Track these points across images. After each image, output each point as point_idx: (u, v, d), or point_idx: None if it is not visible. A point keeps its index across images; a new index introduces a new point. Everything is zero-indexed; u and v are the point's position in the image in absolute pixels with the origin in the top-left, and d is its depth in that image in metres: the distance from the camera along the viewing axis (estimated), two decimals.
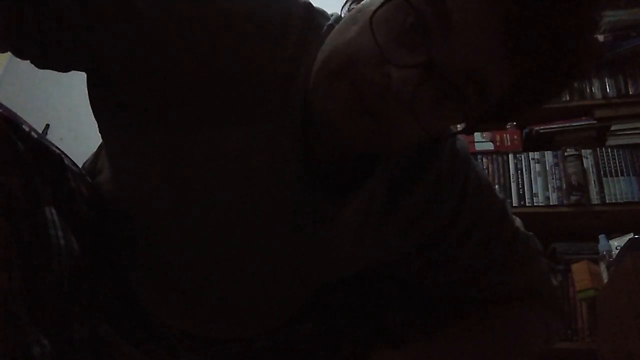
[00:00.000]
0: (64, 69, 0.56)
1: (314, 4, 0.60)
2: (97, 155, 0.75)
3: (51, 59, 0.55)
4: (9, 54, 0.55)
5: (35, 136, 0.58)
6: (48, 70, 0.57)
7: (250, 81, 0.54)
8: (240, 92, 0.54)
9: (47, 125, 2.66)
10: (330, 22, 0.58)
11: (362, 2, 0.54)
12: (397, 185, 0.65)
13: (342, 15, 0.58)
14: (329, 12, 0.61)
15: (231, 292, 0.68)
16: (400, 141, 0.55)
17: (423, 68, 0.47)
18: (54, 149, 0.61)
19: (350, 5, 0.56)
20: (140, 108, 0.54)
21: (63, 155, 0.63)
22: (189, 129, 0.55)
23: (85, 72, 0.57)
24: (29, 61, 0.55)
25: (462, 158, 0.70)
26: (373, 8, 0.49)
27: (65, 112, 2.67)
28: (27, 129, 0.57)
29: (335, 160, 0.61)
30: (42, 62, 0.55)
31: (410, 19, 0.47)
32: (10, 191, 0.52)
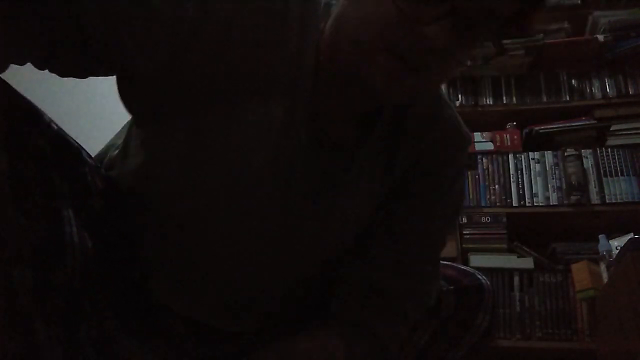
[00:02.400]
0: (84, 75, 0.58)
1: None
2: (108, 148, 0.76)
3: (73, 68, 0.57)
4: None
5: (55, 127, 0.59)
6: (48, 71, 0.57)
7: (261, 61, 0.58)
8: (252, 73, 0.58)
9: None
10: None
11: None
12: (396, 144, 0.69)
13: None
14: None
15: (244, 273, 0.69)
16: (440, 82, 0.63)
17: (450, 14, 0.51)
18: (73, 142, 0.62)
19: None
20: (166, 98, 0.57)
21: (81, 148, 0.64)
22: (210, 113, 0.58)
23: (112, 74, 0.59)
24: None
25: (464, 141, 0.75)
26: None
27: (65, 112, 2.68)
28: (47, 120, 0.58)
29: (343, 121, 0.65)
30: (63, 72, 0.57)
31: None
32: (28, 187, 0.52)
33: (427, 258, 0.75)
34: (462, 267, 0.85)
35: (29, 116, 0.55)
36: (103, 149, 0.77)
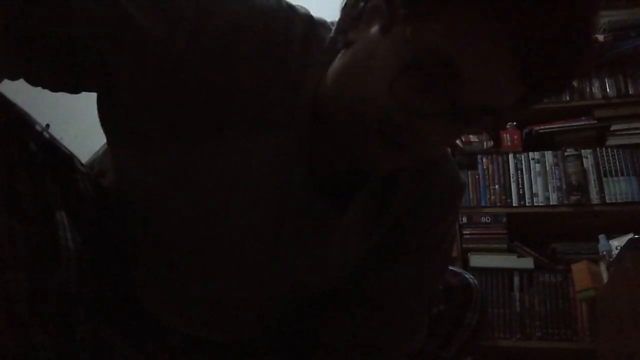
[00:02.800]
0: (75, 91, 0.57)
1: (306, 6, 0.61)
2: (96, 158, 0.75)
3: (63, 83, 0.56)
4: None
5: (47, 136, 0.59)
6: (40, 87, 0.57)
7: (257, 92, 0.56)
8: (247, 103, 0.56)
9: (47, 125, 2.65)
10: (332, 34, 0.59)
11: (364, 38, 0.54)
12: (387, 198, 0.68)
13: (335, 30, 0.58)
14: (328, 9, 0.63)
15: (231, 294, 0.69)
16: (427, 160, 0.62)
17: (449, 113, 0.50)
18: (65, 149, 0.62)
19: (347, 31, 0.56)
20: (150, 122, 0.55)
21: (73, 156, 0.63)
22: (197, 140, 0.56)
23: (96, 92, 0.58)
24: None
25: (459, 191, 0.75)
26: (385, 63, 0.50)
27: (65, 112, 2.67)
28: (39, 129, 0.58)
29: (337, 168, 0.64)
30: (54, 87, 0.56)
31: (425, 77, 0.50)
32: (21, 192, 0.52)
33: (415, 310, 0.74)
34: (451, 268, 0.85)
35: (22, 125, 0.55)
36: (92, 156, 0.76)
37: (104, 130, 0.60)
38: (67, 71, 0.54)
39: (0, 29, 0.49)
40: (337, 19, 0.59)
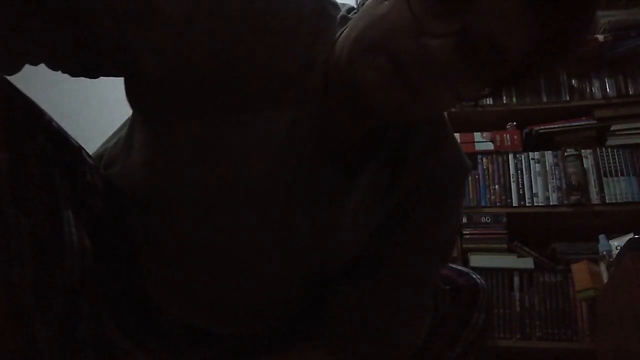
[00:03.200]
0: (95, 75, 0.58)
1: None
2: (106, 149, 0.75)
3: (83, 67, 0.57)
4: None
5: (56, 126, 0.59)
6: (48, 70, 0.57)
7: (272, 71, 0.58)
8: (262, 81, 0.58)
9: None
10: (342, 13, 0.62)
11: None
12: (398, 168, 0.69)
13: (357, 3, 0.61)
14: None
15: (240, 275, 0.69)
16: (433, 107, 0.60)
17: (457, 35, 0.50)
18: (73, 140, 0.62)
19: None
20: (172, 101, 0.57)
21: (81, 148, 0.64)
22: (215, 118, 0.58)
23: (116, 76, 0.59)
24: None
25: (465, 171, 0.75)
26: None
27: (65, 112, 2.67)
28: (47, 118, 0.58)
29: (348, 142, 0.65)
30: (74, 72, 0.57)
31: None
32: (29, 185, 0.52)
33: (420, 289, 0.74)
34: (457, 267, 0.86)
35: (30, 114, 0.55)
36: (100, 147, 0.76)
37: (133, 111, 0.63)
38: (88, 55, 0.55)
39: (20, 14, 0.50)
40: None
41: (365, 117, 0.62)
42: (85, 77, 0.58)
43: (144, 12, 0.53)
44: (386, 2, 0.54)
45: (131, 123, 0.68)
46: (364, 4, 0.59)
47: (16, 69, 0.53)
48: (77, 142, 0.63)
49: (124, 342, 0.72)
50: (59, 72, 0.57)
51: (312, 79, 0.59)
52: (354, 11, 0.63)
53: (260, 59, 0.57)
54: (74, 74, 0.57)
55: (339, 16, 0.62)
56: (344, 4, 0.64)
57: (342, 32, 0.60)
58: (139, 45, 0.54)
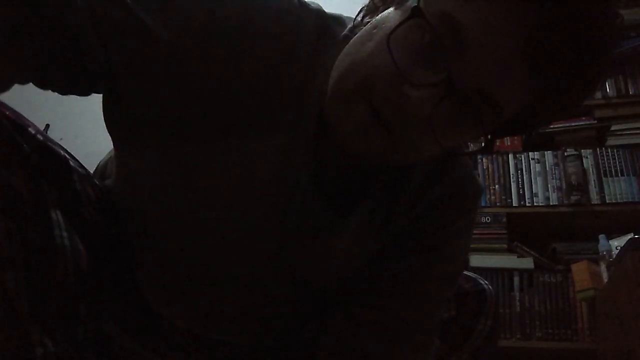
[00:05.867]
0: (86, 93, 0.56)
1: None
2: (109, 158, 0.75)
3: (72, 86, 0.55)
4: None
5: (41, 138, 0.59)
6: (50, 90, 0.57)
7: (265, 93, 0.55)
8: (255, 104, 0.55)
9: (47, 125, 2.66)
10: (345, 32, 0.58)
11: (378, 17, 0.53)
12: (396, 202, 0.65)
13: (354, 25, 0.57)
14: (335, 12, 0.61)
15: (233, 294, 0.69)
16: (416, 156, 0.55)
17: (442, 86, 0.46)
18: (60, 151, 0.62)
19: (364, 17, 0.56)
20: (157, 123, 0.55)
21: (69, 157, 0.63)
22: (204, 141, 0.55)
23: (104, 94, 0.57)
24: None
25: (475, 193, 0.70)
26: (390, 25, 0.49)
27: (65, 112, 2.67)
28: (33, 132, 0.58)
29: (344, 171, 0.62)
30: (63, 90, 0.56)
31: (427, 37, 0.47)
32: (17, 192, 0.52)
33: (422, 323, 0.67)
34: (464, 272, 0.82)
35: (14, 127, 0.55)
36: (107, 155, 0.76)
37: (109, 132, 0.60)
38: (77, 74, 0.54)
39: (6, 33, 0.49)
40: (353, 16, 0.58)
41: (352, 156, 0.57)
42: (74, 94, 0.57)
43: (129, 29, 0.51)
44: (370, 43, 0.50)
45: None
46: (359, 24, 0.55)
47: (4, 88, 0.52)
48: (65, 152, 0.63)
49: (127, 342, 0.72)
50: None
51: (308, 103, 0.56)
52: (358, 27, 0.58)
53: (254, 79, 0.54)
54: (63, 92, 0.56)
55: (342, 35, 0.57)
56: (350, 18, 0.59)
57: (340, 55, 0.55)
58: (122, 63, 0.52)
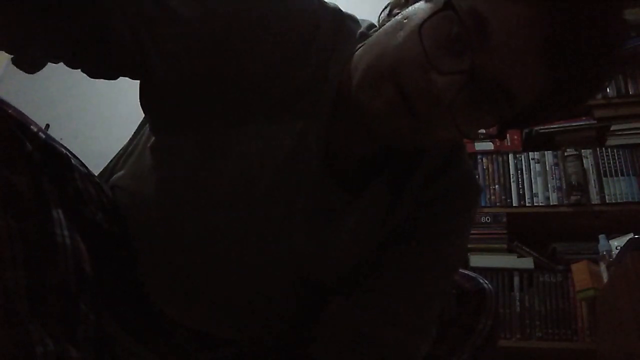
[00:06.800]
0: (114, 77, 0.58)
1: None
2: (119, 156, 0.76)
3: (104, 68, 0.57)
4: None
5: (43, 137, 0.59)
6: (48, 70, 0.57)
7: (283, 81, 0.59)
8: (273, 91, 0.58)
9: (47, 125, 2.65)
10: (362, 29, 0.63)
11: (409, 9, 0.57)
12: (402, 190, 0.68)
13: (380, 18, 0.62)
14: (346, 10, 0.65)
15: (236, 290, 0.69)
16: (435, 139, 0.60)
17: (466, 74, 0.51)
18: (61, 149, 0.62)
19: (393, 10, 0.60)
20: (183, 107, 0.58)
21: (70, 156, 0.64)
22: (224, 127, 0.58)
23: (137, 79, 0.59)
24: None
25: (475, 193, 0.74)
26: (421, 16, 0.54)
27: (65, 112, 2.67)
28: (35, 129, 0.58)
29: (355, 159, 0.66)
30: (94, 72, 0.57)
31: (455, 29, 0.51)
32: (18, 190, 0.53)
33: (419, 309, 0.70)
34: (465, 272, 0.84)
35: (17, 125, 0.56)
36: (116, 154, 0.77)
37: (145, 114, 0.63)
38: (106, 57, 0.55)
39: (37, 15, 0.50)
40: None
41: (370, 138, 0.62)
42: (103, 78, 0.58)
43: (157, 13, 0.53)
44: (402, 32, 0.55)
45: (139, 130, 0.69)
46: (385, 24, 0.59)
47: (37, 68, 0.54)
48: (67, 151, 0.63)
49: (127, 341, 0.72)
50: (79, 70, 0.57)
51: (324, 93, 0.60)
52: (374, 28, 0.63)
53: (273, 67, 0.57)
54: (93, 74, 0.57)
55: (358, 32, 0.62)
56: (364, 20, 0.65)
57: (359, 49, 0.60)
58: (152, 47, 0.54)
